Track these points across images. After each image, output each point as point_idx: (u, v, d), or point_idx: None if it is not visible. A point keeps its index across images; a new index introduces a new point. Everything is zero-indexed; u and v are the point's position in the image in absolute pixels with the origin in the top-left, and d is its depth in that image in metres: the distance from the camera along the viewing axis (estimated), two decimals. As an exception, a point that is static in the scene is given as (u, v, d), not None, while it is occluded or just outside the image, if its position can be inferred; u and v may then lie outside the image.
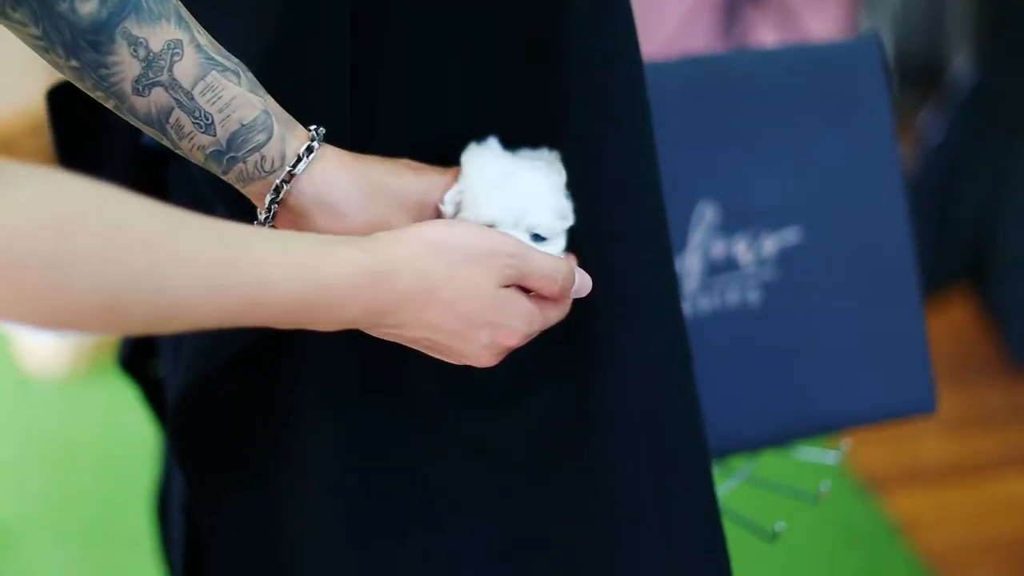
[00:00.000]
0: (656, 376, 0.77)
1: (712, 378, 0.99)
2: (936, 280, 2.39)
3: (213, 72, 0.69)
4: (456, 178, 0.75)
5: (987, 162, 2.35)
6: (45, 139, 2.29)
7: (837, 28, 2.47)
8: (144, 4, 0.67)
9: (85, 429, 2.19)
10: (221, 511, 0.88)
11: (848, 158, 1.05)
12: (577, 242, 0.76)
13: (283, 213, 0.73)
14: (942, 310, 2.42)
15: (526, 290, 0.72)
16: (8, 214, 0.52)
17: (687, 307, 1.00)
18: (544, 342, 0.75)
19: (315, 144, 0.71)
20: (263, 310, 0.62)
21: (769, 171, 1.02)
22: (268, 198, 0.72)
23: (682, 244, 1.00)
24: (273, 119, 0.71)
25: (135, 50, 0.67)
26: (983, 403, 2.26)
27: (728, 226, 1.02)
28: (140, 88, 0.68)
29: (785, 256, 1.03)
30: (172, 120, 0.69)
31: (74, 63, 0.68)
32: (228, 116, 0.70)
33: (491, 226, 0.73)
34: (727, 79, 1.02)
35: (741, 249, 1.02)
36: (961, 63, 2.50)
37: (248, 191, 0.73)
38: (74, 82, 0.70)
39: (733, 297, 1.03)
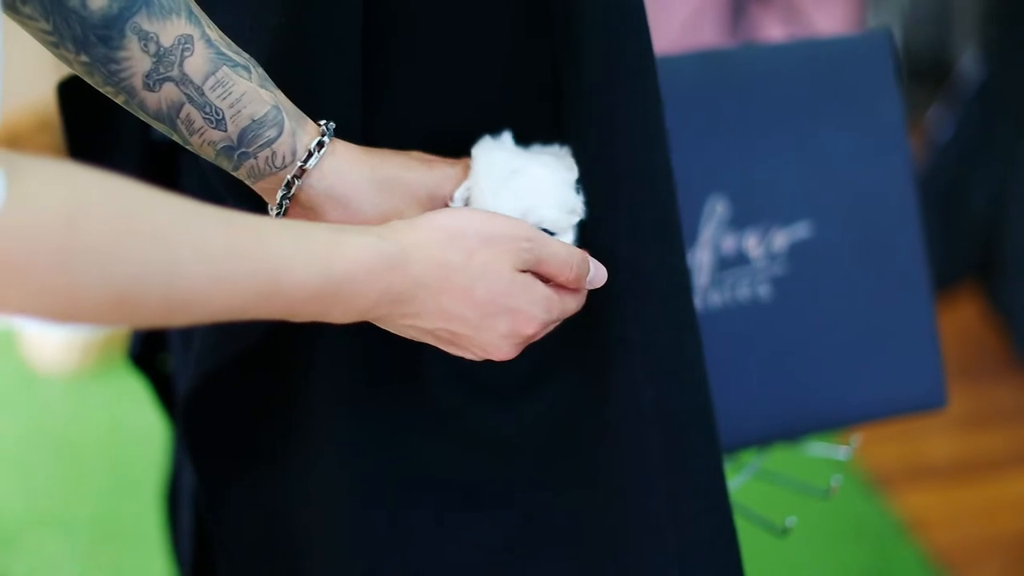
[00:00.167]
0: (667, 370, 0.76)
1: (722, 373, 0.99)
2: (944, 278, 2.38)
3: (224, 67, 0.69)
4: (467, 169, 0.75)
5: (995, 159, 2.34)
6: (53, 135, 2.30)
7: (844, 25, 2.47)
8: (155, -1, 0.67)
9: (92, 425, 2.19)
10: (231, 503, 0.88)
11: (859, 153, 1.04)
12: (589, 236, 0.76)
13: (294, 208, 0.73)
14: (950, 308, 2.42)
15: (543, 280, 0.71)
16: (17, 206, 0.52)
17: (698, 301, 1.00)
18: (556, 336, 0.75)
19: (326, 139, 0.71)
20: (277, 300, 0.62)
21: (780, 166, 1.02)
22: (279, 194, 0.72)
23: (693, 239, 1.00)
24: (284, 114, 0.71)
25: (145, 45, 0.67)
26: (991, 401, 2.26)
27: (738, 221, 1.01)
28: (150, 83, 0.68)
29: (795, 251, 1.03)
30: (182, 116, 0.69)
31: (84, 58, 0.68)
32: (239, 112, 0.70)
33: None
34: (738, 73, 1.01)
35: (751, 244, 1.02)
36: (969, 59, 2.49)
37: (259, 187, 0.73)
38: (84, 77, 0.70)
39: (743, 292, 1.02)
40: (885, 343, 1.06)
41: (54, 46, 0.68)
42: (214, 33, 0.70)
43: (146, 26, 0.67)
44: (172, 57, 0.68)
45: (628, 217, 0.75)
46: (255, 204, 0.74)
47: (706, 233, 1.01)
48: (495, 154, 0.75)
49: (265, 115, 0.70)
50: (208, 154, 0.71)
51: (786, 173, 1.02)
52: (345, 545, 0.84)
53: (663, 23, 2.38)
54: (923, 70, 3.05)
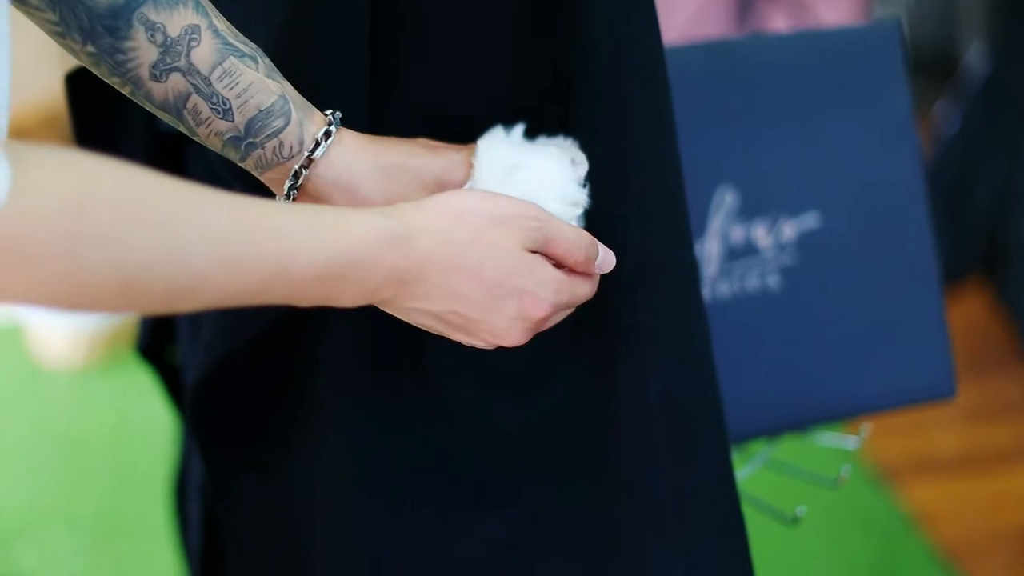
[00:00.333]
0: (676, 361, 0.76)
1: (731, 363, 0.99)
2: (951, 272, 2.38)
3: (231, 57, 0.69)
4: (473, 155, 0.75)
5: (1001, 153, 2.34)
6: (58, 130, 2.30)
7: (850, 18, 2.46)
8: (162, -12, 0.67)
9: (98, 420, 2.20)
10: (240, 492, 0.88)
11: (867, 143, 1.04)
12: (598, 225, 0.75)
13: (302, 198, 0.72)
14: (957, 302, 2.42)
15: (553, 265, 0.71)
16: (23, 194, 0.51)
17: (706, 292, 1.00)
18: (564, 326, 0.74)
19: (332, 128, 0.71)
20: (284, 283, 0.61)
21: (788, 156, 1.02)
22: (287, 184, 0.71)
23: (701, 229, 1.00)
24: (291, 104, 0.71)
25: (152, 35, 0.67)
26: (998, 394, 2.26)
27: (747, 211, 1.01)
28: (157, 74, 0.68)
29: (804, 241, 1.03)
30: (189, 106, 0.69)
31: (90, 49, 0.68)
32: (246, 102, 0.69)
33: None
34: (746, 64, 1.01)
35: (760, 234, 1.02)
36: (974, 54, 2.49)
37: (266, 178, 0.73)
38: (90, 68, 0.70)
39: (752, 282, 1.02)
40: (894, 333, 1.06)
41: (60, 36, 0.68)
42: (221, 23, 0.69)
43: (153, 16, 0.67)
44: (179, 47, 0.68)
45: (638, 209, 0.75)
46: (262, 193, 0.74)
47: (715, 224, 1.01)
48: (497, 148, 0.75)
49: (272, 105, 0.70)
50: (215, 145, 0.71)
51: (795, 163, 1.02)
52: (350, 534, 0.83)
53: (669, 18, 2.38)
54: (929, 64, 3.05)
